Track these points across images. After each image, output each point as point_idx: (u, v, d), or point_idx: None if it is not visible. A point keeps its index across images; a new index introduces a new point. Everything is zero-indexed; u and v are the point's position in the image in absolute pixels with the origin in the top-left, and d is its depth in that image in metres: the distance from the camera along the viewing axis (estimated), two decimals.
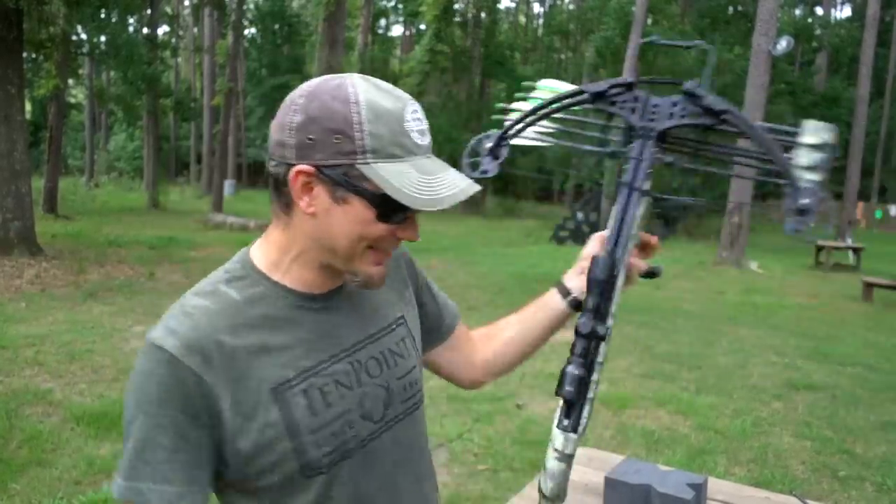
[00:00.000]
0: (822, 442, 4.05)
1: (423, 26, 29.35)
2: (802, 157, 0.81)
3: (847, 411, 4.63)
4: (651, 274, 0.99)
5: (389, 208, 0.79)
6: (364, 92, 0.78)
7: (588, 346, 0.82)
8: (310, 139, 0.78)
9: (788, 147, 0.83)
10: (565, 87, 1.02)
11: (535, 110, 0.96)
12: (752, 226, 15.46)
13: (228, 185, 23.74)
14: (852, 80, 26.29)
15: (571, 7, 42.34)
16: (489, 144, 0.97)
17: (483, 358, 1.14)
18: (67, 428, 3.72)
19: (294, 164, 0.79)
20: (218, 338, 0.80)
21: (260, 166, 35.44)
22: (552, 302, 1.08)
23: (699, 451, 3.82)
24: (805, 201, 0.76)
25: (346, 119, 0.77)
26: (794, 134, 0.83)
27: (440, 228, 17.16)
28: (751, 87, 13.67)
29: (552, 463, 0.85)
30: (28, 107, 16.99)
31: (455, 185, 0.80)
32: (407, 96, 0.82)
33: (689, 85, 0.85)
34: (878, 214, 26.22)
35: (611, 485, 1.55)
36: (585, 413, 0.84)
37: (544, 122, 1.01)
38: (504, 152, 0.98)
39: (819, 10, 33.18)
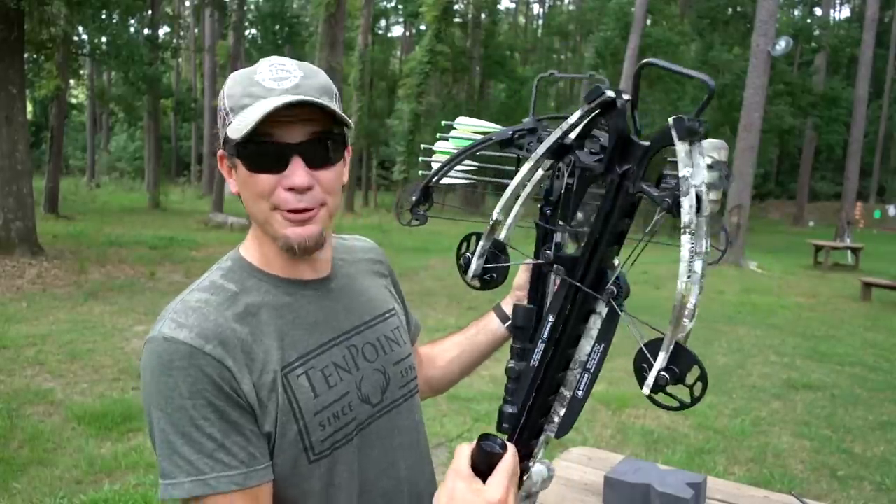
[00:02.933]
0: (821, 441, 4.07)
1: (423, 27, 29.35)
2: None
3: (846, 411, 4.65)
4: None
5: (248, 155, 0.82)
6: (246, 68, 0.86)
7: (516, 386, 0.89)
8: (219, 126, 0.86)
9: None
10: (482, 124, 1.08)
11: (449, 161, 1.02)
12: (751, 226, 15.47)
13: (230, 184, 23.69)
14: (851, 80, 26.28)
15: (571, 8, 42.37)
16: (414, 197, 1.05)
17: (429, 375, 1.19)
18: (68, 427, 3.72)
19: None
20: (230, 325, 0.82)
21: None
22: (491, 325, 1.15)
23: (698, 450, 3.84)
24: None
25: (220, 96, 0.85)
26: None
27: (440, 228, 17.17)
28: (750, 88, 13.69)
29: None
30: (29, 107, 17.00)
31: (271, 104, 0.77)
32: (279, 58, 0.85)
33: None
34: (877, 214, 26.22)
35: (610, 484, 1.56)
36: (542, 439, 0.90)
37: (467, 161, 1.07)
38: (431, 198, 1.06)
39: (818, 11, 33.19)
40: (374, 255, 1.11)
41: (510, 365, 0.90)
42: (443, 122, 1.14)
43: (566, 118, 0.91)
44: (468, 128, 1.11)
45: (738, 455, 3.82)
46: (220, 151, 0.87)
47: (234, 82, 0.84)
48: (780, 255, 15.56)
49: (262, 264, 0.91)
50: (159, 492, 0.79)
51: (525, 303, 0.96)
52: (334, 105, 0.83)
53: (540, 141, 0.93)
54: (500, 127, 1.04)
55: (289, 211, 0.83)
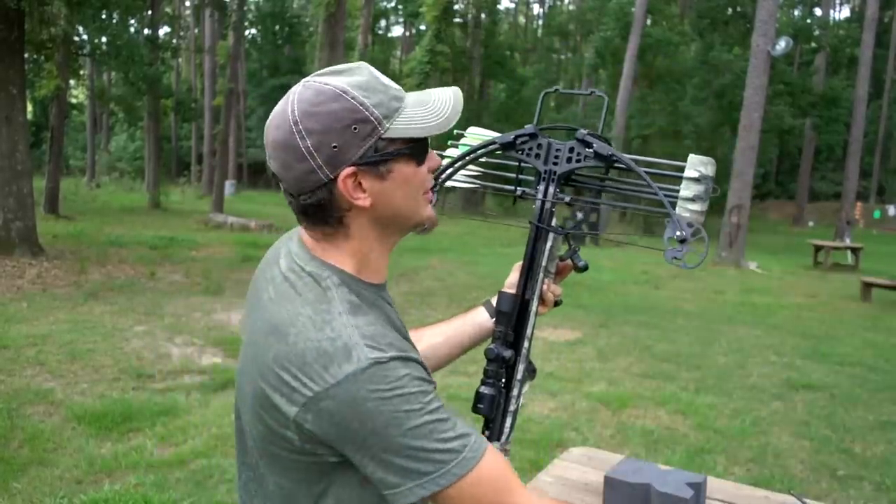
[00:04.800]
0: (821, 441, 4.07)
1: (423, 27, 29.37)
2: (685, 190, 0.92)
3: (846, 411, 4.65)
4: (557, 303, 1.13)
5: (421, 149, 0.88)
6: (338, 81, 0.84)
7: (497, 369, 0.95)
8: (334, 147, 0.82)
9: (677, 180, 0.95)
10: (491, 134, 1.15)
11: (453, 163, 1.10)
12: (751, 226, 15.49)
13: (229, 185, 23.76)
14: (851, 80, 26.29)
15: (571, 8, 42.39)
16: None
17: None
18: (69, 427, 3.72)
19: (334, 178, 0.83)
20: (395, 334, 0.86)
21: (261, 166, 35.49)
22: (479, 318, 1.20)
23: (698, 450, 3.84)
24: (678, 233, 0.88)
25: (350, 109, 0.82)
26: (681, 168, 0.95)
27: (440, 228, 17.02)
28: (750, 88, 13.69)
29: None
30: (29, 107, 17.00)
31: (448, 99, 0.88)
32: (357, 63, 0.89)
33: (580, 133, 0.99)
34: (877, 214, 26.24)
35: (610, 484, 1.56)
36: (508, 423, 0.97)
37: (472, 166, 1.15)
38: (434, 198, 1.13)
39: (818, 11, 33.20)
40: None
41: (490, 346, 0.96)
42: (454, 131, 1.17)
43: (571, 128, 1.05)
44: (478, 137, 1.15)
45: (738, 455, 3.82)
46: (351, 169, 0.83)
47: (368, 91, 0.83)
48: (780, 255, 15.58)
49: (359, 273, 0.90)
50: (424, 489, 0.80)
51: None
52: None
53: (539, 147, 1.03)
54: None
55: (426, 192, 0.92)
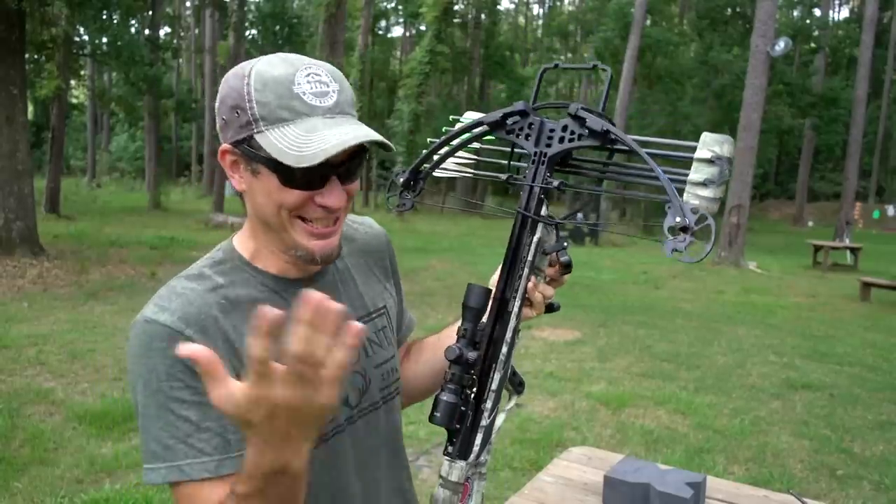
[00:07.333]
0: (820, 441, 4.08)
1: (423, 27, 29.36)
2: (695, 173, 0.81)
3: (845, 410, 4.66)
4: (549, 307, 0.99)
5: (288, 172, 0.79)
6: (258, 64, 0.81)
7: (461, 373, 0.82)
8: (223, 119, 0.82)
9: (687, 163, 0.83)
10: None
11: (440, 145, 0.97)
12: (751, 226, 15.50)
13: (229, 185, 23.74)
14: (850, 80, 26.30)
15: (571, 8, 42.40)
16: (402, 180, 0.99)
17: (407, 375, 1.11)
18: (69, 427, 3.73)
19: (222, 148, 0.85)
20: (212, 313, 0.82)
21: None
22: None
23: (698, 449, 3.85)
24: (678, 219, 0.75)
25: (239, 93, 0.80)
26: (693, 149, 0.83)
27: (440, 229, 17.17)
28: (749, 88, 13.70)
29: (437, 490, 0.84)
30: (30, 107, 17.01)
31: (334, 145, 0.76)
32: (306, 61, 0.82)
33: (573, 107, 0.87)
34: (876, 214, 26.21)
35: (610, 483, 1.56)
36: (478, 440, 0.84)
37: (464, 154, 1.02)
38: (421, 184, 1.00)
39: (817, 12, 33.20)
40: (376, 243, 1.08)
41: (451, 346, 0.82)
42: (451, 117, 1.09)
43: (563, 105, 0.91)
44: (474, 121, 1.00)
45: (738, 454, 3.83)
46: (226, 146, 0.83)
47: (265, 87, 0.78)
48: (780, 255, 15.58)
49: (253, 259, 0.90)
50: (142, 476, 0.79)
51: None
52: (375, 134, 0.83)
53: (531, 126, 0.90)
54: None
55: (318, 225, 0.84)
